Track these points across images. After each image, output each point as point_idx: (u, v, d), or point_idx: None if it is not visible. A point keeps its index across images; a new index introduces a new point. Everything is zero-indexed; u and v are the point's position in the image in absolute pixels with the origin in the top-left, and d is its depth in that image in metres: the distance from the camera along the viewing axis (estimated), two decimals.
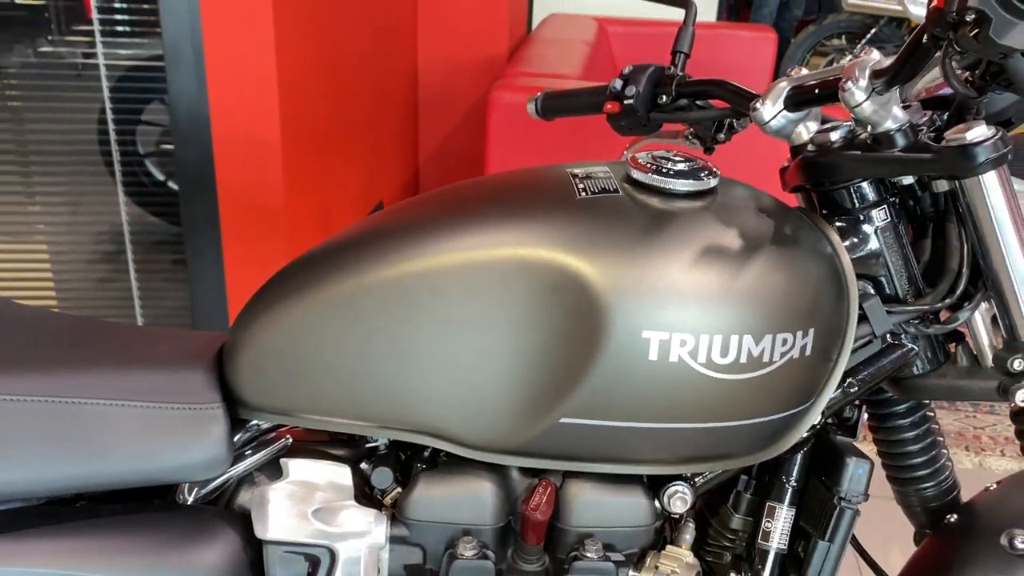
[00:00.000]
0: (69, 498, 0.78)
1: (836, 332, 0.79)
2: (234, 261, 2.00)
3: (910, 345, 0.86)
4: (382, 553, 0.79)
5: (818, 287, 0.76)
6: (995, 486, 1.00)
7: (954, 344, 0.89)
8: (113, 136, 1.94)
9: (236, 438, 0.80)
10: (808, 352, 0.76)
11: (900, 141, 0.78)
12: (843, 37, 4.83)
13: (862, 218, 0.83)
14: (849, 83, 0.76)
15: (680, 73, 0.95)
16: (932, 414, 1.00)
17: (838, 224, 0.84)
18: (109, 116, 1.91)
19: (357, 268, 0.74)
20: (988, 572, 0.91)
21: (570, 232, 0.73)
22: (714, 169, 0.81)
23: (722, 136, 0.98)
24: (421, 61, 3.04)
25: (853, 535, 1.01)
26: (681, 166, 0.78)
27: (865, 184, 0.83)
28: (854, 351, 0.85)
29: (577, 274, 0.71)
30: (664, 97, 0.93)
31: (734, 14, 6.50)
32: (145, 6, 1.85)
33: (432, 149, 3.11)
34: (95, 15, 1.84)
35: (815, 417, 0.81)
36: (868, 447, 1.00)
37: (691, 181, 0.78)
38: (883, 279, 0.84)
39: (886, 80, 0.74)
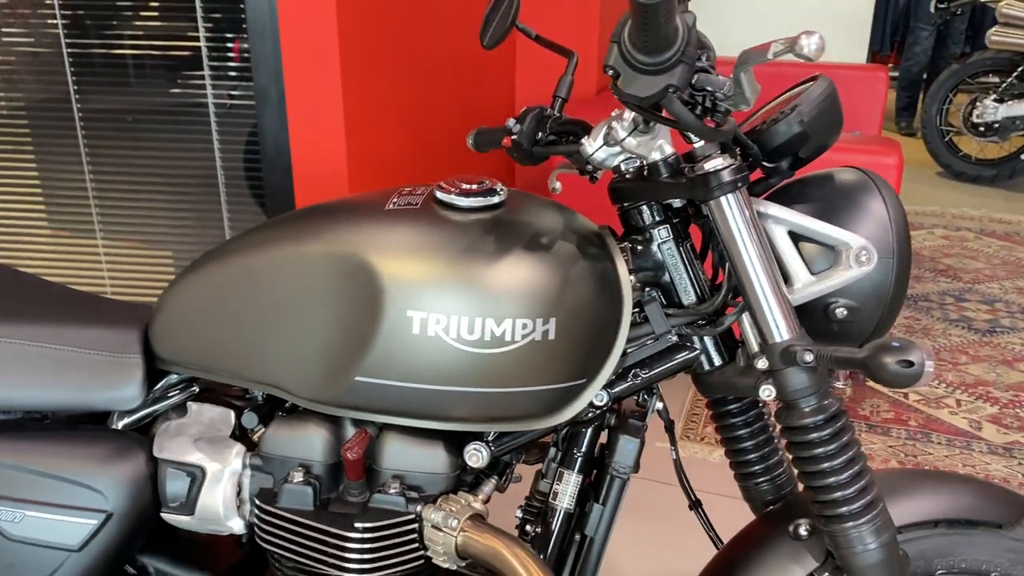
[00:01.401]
0: (39, 416, 1.09)
1: (603, 324, 0.95)
2: None
3: (694, 346, 1.01)
4: (243, 478, 1.03)
5: (563, 284, 0.93)
6: None
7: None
8: (219, 163, 2.33)
9: (162, 383, 1.08)
10: (551, 336, 0.92)
11: (663, 171, 0.96)
12: (990, 74, 4.66)
13: (649, 235, 1.00)
14: (614, 123, 0.95)
15: (557, 114, 1.15)
16: (766, 413, 1.13)
17: (634, 239, 1.01)
18: (216, 145, 2.31)
19: (232, 258, 1.01)
20: (769, 552, 1.04)
21: (368, 233, 0.95)
22: (501, 190, 1.00)
23: (590, 167, 1.17)
24: (519, 100, 3.31)
25: (705, 515, 1.15)
26: (472, 187, 0.98)
27: (647, 206, 1.00)
28: (643, 346, 1.01)
29: (365, 265, 0.93)
30: (541, 134, 1.13)
31: (890, 49, 6.35)
32: (245, 54, 2.23)
33: (527, 183, 3.36)
34: (206, 62, 2.25)
35: (592, 394, 0.97)
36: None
37: (476, 199, 0.97)
38: (669, 287, 1.00)
39: (644, 119, 0.93)
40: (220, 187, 2.37)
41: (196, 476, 1.03)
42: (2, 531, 1.00)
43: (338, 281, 0.94)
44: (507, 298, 0.91)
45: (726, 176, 0.90)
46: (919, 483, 1.06)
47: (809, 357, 0.90)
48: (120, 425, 1.07)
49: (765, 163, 1.03)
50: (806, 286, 0.95)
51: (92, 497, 1.01)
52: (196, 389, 1.08)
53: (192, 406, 1.07)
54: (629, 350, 1.01)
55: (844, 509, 0.94)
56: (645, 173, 0.98)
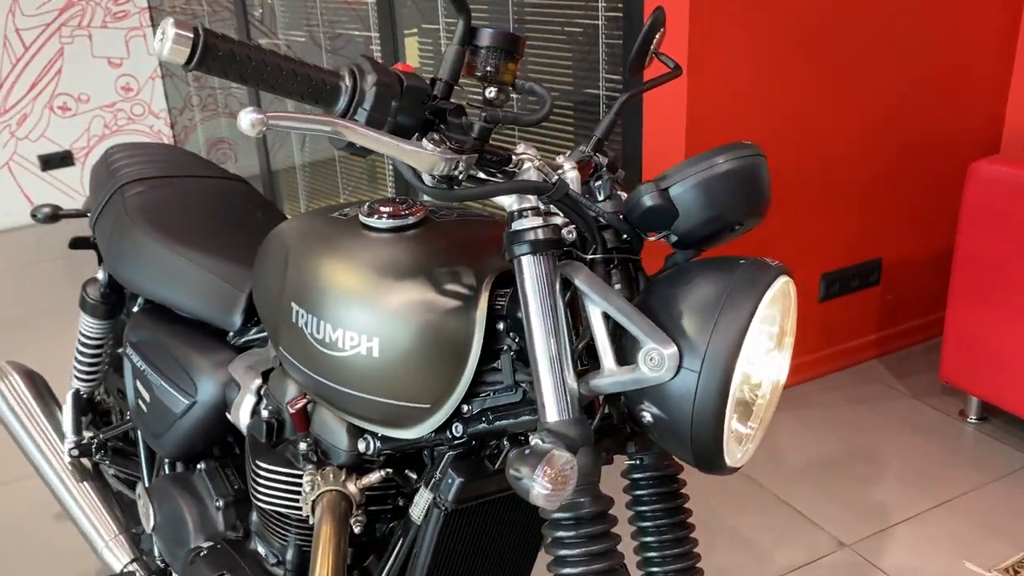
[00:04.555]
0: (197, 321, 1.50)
1: (443, 358, 0.95)
2: None
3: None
4: (260, 404, 1.31)
5: (394, 310, 0.96)
6: None
7: None
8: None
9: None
10: (376, 354, 0.96)
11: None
12: None
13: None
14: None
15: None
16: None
17: (513, 288, 0.94)
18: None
19: (274, 234, 1.21)
20: None
21: (302, 232, 1.12)
22: (415, 214, 1.04)
23: None
24: (1010, 120, 2.78)
25: None
26: (387, 210, 1.06)
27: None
28: (498, 394, 0.97)
29: (285, 256, 1.09)
30: None
31: None
32: None
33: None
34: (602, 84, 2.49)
35: (438, 420, 0.96)
36: None
37: (388, 220, 1.04)
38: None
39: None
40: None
41: (237, 387, 1.36)
42: (153, 389, 1.48)
43: (282, 264, 1.13)
44: (343, 309, 1.00)
45: (527, 236, 0.84)
46: None
47: (534, 443, 0.81)
48: (235, 343, 1.45)
49: (643, 234, 0.90)
50: (607, 376, 0.84)
51: (190, 384, 1.42)
52: None
53: (269, 342, 1.40)
54: (492, 392, 0.98)
55: None
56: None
